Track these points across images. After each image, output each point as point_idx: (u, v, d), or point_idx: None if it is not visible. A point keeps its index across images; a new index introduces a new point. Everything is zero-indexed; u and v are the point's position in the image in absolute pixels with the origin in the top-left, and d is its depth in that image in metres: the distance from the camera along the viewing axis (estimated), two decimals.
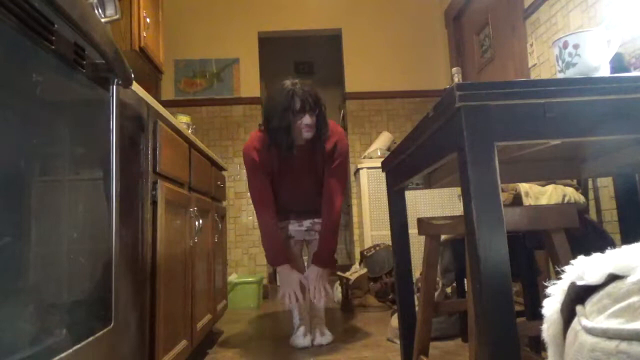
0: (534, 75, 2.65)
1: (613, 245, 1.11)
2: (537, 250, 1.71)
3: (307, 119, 1.98)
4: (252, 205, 4.15)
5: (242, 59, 4.11)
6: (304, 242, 2.36)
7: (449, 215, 1.33)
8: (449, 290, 2.29)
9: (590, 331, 0.48)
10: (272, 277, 4.15)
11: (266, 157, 2.10)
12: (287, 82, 2.03)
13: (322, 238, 2.16)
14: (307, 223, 2.23)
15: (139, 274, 1.24)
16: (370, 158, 3.58)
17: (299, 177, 2.19)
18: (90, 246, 0.88)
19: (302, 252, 2.37)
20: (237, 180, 4.07)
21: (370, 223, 3.46)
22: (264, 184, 2.13)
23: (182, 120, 2.62)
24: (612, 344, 0.45)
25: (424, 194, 3.39)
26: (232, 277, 3.33)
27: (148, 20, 2.67)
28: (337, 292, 3.09)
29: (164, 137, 1.41)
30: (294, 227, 2.23)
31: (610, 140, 1.08)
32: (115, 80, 0.99)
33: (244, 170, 4.08)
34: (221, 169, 2.48)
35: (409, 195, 3.15)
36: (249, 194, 4.01)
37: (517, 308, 1.10)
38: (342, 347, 2.06)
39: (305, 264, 2.38)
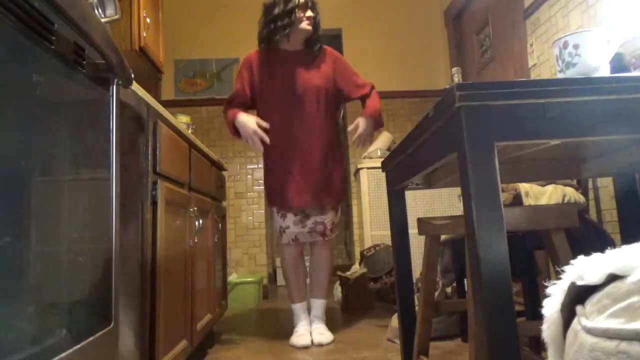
0: (534, 75, 2.66)
1: (613, 245, 1.11)
2: (537, 250, 1.71)
3: (309, 12, 2.18)
4: (252, 205, 4.17)
5: (242, 59, 4.11)
6: (306, 244, 2.35)
7: (449, 215, 1.33)
8: (449, 290, 2.29)
9: (590, 331, 0.48)
10: (272, 277, 4.15)
11: (259, 62, 2.27)
12: None
13: (370, 99, 2.32)
14: (309, 223, 2.21)
15: (139, 273, 1.24)
16: (370, 158, 3.58)
17: (297, 94, 2.19)
18: (90, 246, 0.88)
19: (303, 253, 2.37)
20: (237, 180, 4.07)
21: (370, 223, 3.46)
22: (243, 89, 2.26)
23: (182, 120, 2.62)
24: (612, 344, 0.45)
25: (424, 194, 3.39)
26: (232, 277, 3.33)
27: (148, 20, 2.67)
28: (337, 292, 3.09)
29: (164, 137, 1.41)
30: (297, 229, 2.21)
31: (610, 140, 1.08)
32: (115, 80, 0.99)
33: (244, 170, 4.09)
34: (221, 169, 2.48)
35: (409, 195, 3.15)
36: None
37: (517, 308, 1.10)
38: (342, 347, 2.06)
39: (307, 264, 2.38)
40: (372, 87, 2.36)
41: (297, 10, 2.17)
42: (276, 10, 2.17)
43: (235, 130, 2.24)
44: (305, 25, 2.19)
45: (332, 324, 2.39)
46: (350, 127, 2.28)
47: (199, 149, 1.95)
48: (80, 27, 0.78)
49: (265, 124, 2.17)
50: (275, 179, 2.22)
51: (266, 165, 2.29)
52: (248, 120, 2.17)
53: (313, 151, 2.18)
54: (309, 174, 2.17)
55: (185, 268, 1.61)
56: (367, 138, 2.30)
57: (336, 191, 2.24)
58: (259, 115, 2.26)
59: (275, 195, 2.23)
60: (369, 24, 4.26)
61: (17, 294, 0.64)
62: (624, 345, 0.43)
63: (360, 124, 2.25)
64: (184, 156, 1.68)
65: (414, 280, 1.91)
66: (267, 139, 2.14)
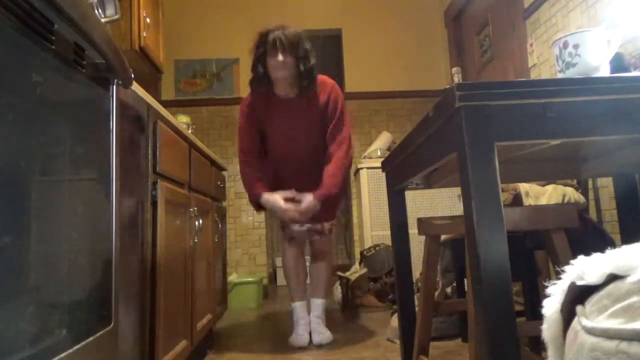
0: (534, 75, 2.65)
1: (613, 245, 1.11)
2: (537, 250, 1.71)
3: (279, 57, 1.94)
4: (252, 205, 4.16)
5: (242, 59, 4.10)
6: (306, 242, 2.36)
7: (449, 215, 1.33)
8: (449, 290, 2.29)
9: (590, 331, 0.48)
10: (272, 277, 4.15)
11: (257, 108, 2.13)
12: (272, 26, 2.04)
13: (326, 171, 2.06)
14: (307, 223, 2.22)
15: (139, 274, 1.24)
16: (370, 158, 3.58)
17: (295, 137, 2.13)
18: (90, 246, 0.88)
19: (304, 253, 2.37)
20: (237, 180, 4.06)
21: (370, 223, 3.46)
22: (250, 134, 2.15)
23: (182, 120, 2.62)
24: (612, 344, 0.45)
25: (424, 194, 3.39)
26: (232, 277, 3.33)
27: (148, 20, 2.67)
28: (337, 292, 3.09)
29: (164, 137, 1.41)
30: (295, 227, 2.22)
31: (610, 140, 1.08)
32: (115, 80, 0.99)
33: None
34: (221, 169, 2.48)
35: (409, 195, 3.15)
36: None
37: (517, 308, 1.10)
38: (341, 347, 2.06)
39: (307, 264, 2.38)
40: (346, 146, 2.12)
41: (267, 57, 1.97)
42: (253, 59, 2.03)
43: (258, 205, 2.18)
44: (275, 72, 1.98)
45: (332, 324, 2.39)
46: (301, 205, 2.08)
47: (199, 149, 1.94)
48: (80, 27, 0.78)
49: (291, 194, 2.08)
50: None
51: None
52: (274, 201, 2.08)
53: (311, 185, 2.11)
54: (307, 174, 2.16)
55: (185, 268, 1.61)
56: (307, 215, 2.08)
57: (332, 210, 2.23)
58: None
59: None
60: (369, 24, 4.26)
61: (17, 294, 0.64)
62: (624, 345, 0.43)
63: (304, 202, 2.04)
64: (184, 156, 1.68)
65: (414, 280, 1.91)
66: (298, 214, 2.06)
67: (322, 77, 2.16)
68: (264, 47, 1.99)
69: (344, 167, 2.10)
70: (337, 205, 2.27)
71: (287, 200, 2.07)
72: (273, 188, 2.15)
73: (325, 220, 2.22)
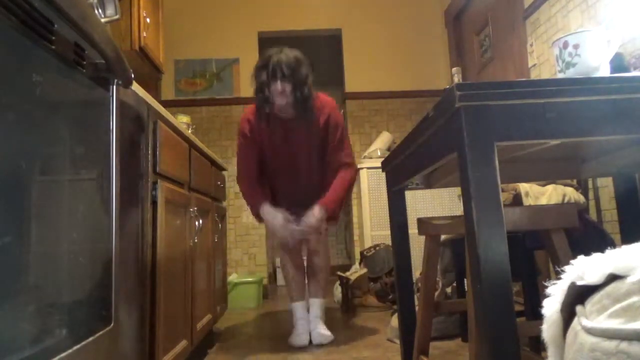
0: (534, 75, 2.65)
1: (613, 245, 1.11)
2: (537, 250, 1.71)
3: (278, 86, 2.01)
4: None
5: (242, 59, 4.11)
6: (303, 241, 2.35)
7: (449, 215, 1.33)
8: (449, 290, 2.29)
9: (590, 331, 0.48)
10: (272, 277, 4.15)
11: (257, 127, 2.15)
12: (273, 49, 2.09)
13: (332, 187, 2.14)
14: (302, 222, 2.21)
15: (139, 274, 1.24)
16: (370, 158, 3.58)
17: (296, 158, 2.17)
18: (90, 246, 0.88)
19: (301, 253, 2.37)
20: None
21: (370, 223, 3.46)
22: (251, 154, 2.18)
23: (182, 120, 2.62)
24: (612, 344, 0.45)
25: (424, 194, 3.39)
26: (232, 277, 3.33)
27: (148, 20, 2.67)
28: (337, 292, 3.09)
29: (164, 137, 1.41)
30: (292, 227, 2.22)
31: (610, 140, 1.08)
32: (115, 80, 0.99)
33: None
34: (221, 169, 2.48)
35: (409, 195, 3.15)
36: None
37: (517, 308, 1.10)
38: (342, 347, 2.06)
39: (305, 264, 2.38)
40: (350, 166, 2.20)
41: (268, 85, 2.04)
42: (255, 86, 2.10)
43: (259, 216, 2.22)
44: (276, 99, 2.04)
45: (332, 324, 2.39)
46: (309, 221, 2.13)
47: (199, 149, 1.95)
48: (80, 27, 0.78)
49: (290, 217, 2.14)
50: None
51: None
52: (274, 218, 2.14)
53: (306, 205, 2.15)
54: (302, 205, 2.19)
55: (185, 268, 1.61)
56: (316, 229, 2.13)
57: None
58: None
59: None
60: (369, 24, 4.26)
61: (17, 294, 0.64)
62: (624, 345, 0.43)
63: (314, 214, 2.10)
64: (184, 156, 1.68)
65: (414, 280, 1.91)
66: (297, 236, 2.13)
67: (322, 98, 2.18)
68: (266, 71, 2.04)
69: (348, 187, 2.18)
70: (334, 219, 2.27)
71: (286, 220, 2.13)
72: (272, 190, 2.18)
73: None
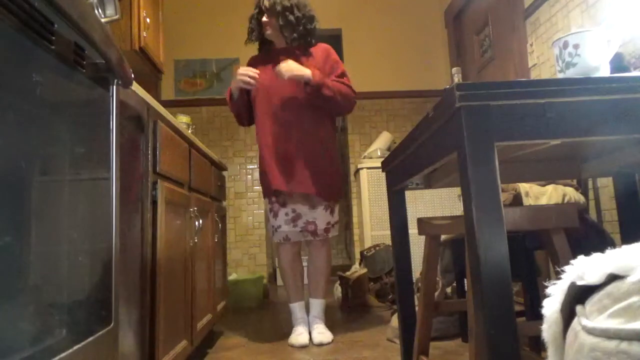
0: (534, 75, 2.65)
1: (613, 245, 1.11)
2: (537, 250, 1.71)
3: (264, 18, 2.23)
4: (252, 205, 4.17)
5: (242, 59, 4.10)
6: (302, 244, 2.34)
7: (449, 215, 1.33)
8: (449, 290, 2.29)
9: (590, 331, 0.48)
10: (272, 277, 4.15)
11: (253, 63, 2.34)
12: None
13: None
14: (300, 223, 2.19)
15: (139, 274, 1.24)
16: (370, 158, 3.58)
17: (287, 102, 2.18)
18: (90, 246, 0.88)
19: (300, 253, 2.35)
20: (237, 180, 4.07)
21: (370, 223, 3.46)
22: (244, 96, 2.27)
23: (182, 120, 2.62)
24: (612, 344, 0.45)
25: (424, 194, 3.39)
26: (232, 277, 3.33)
27: (148, 20, 2.67)
28: (337, 292, 3.09)
29: (164, 137, 1.41)
30: (287, 227, 2.20)
31: (610, 140, 1.08)
32: (115, 80, 0.99)
33: (244, 170, 4.09)
34: (221, 169, 2.48)
35: (409, 195, 3.15)
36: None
37: (517, 308, 1.10)
38: (342, 346, 2.06)
39: (305, 264, 2.37)
40: (351, 89, 2.24)
41: (257, 17, 2.27)
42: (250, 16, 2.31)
43: (234, 104, 2.29)
44: (266, 32, 2.25)
45: (332, 324, 2.39)
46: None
47: (199, 149, 1.95)
48: (80, 27, 0.78)
49: (253, 72, 2.16)
50: (263, 166, 2.22)
51: (259, 159, 2.30)
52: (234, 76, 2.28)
53: (300, 142, 2.15)
54: (292, 161, 2.15)
55: (185, 268, 1.61)
56: (287, 71, 2.09)
57: (325, 188, 2.17)
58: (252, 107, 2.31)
59: (263, 181, 2.26)
60: (369, 24, 4.27)
61: (17, 294, 0.64)
62: (624, 345, 0.43)
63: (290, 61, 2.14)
64: (184, 156, 1.68)
65: (414, 280, 1.91)
66: (254, 72, 2.15)
67: (319, 43, 2.34)
68: (255, 9, 2.28)
69: (345, 92, 2.20)
70: (332, 186, 2.20)
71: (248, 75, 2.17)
72: (260, 143, 2.23)
73: (318, 199, 2.19)
